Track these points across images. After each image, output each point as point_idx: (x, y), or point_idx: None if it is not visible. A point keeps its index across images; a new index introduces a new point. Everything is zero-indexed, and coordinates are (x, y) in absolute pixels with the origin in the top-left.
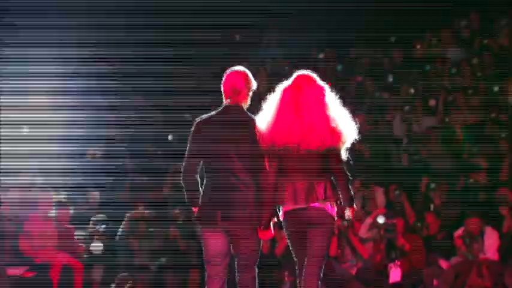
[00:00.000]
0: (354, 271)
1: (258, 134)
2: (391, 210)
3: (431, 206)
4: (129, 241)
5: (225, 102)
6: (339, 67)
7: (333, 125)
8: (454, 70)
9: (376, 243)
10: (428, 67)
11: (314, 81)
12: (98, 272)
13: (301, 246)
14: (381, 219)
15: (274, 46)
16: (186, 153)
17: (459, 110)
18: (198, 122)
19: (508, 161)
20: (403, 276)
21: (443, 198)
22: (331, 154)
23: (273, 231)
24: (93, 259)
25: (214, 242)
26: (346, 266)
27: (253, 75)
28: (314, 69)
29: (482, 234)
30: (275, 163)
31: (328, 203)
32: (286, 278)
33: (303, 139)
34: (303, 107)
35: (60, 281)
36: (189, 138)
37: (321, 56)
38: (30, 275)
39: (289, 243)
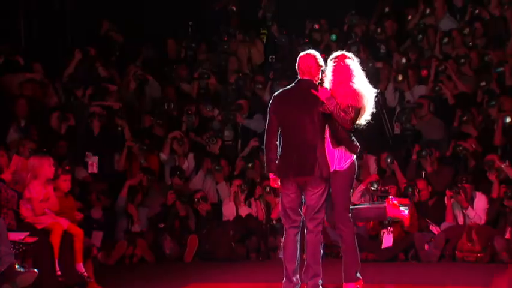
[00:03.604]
0: None
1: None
2: (383, 177)
3: (423, 173)
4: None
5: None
6: (334, 37)
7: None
8: (445, 40)
9: None
10: (420, 37)
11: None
12: (97, 237)
13: None
14: (373, 186)
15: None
16: (267, 123)
17: (450, 79)
18: (275, 96)
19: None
20: (395, 242)
21: (434, 166)
22: None
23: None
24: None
25: (289, 196)
26: None
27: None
28: (309, 40)
29: (472, 199)
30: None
31: None
32: (281, 244)
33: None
34: (361, 78)
35: (60, 246)
36: (268, 110)
37: (316, 26)
38: (31, 240)
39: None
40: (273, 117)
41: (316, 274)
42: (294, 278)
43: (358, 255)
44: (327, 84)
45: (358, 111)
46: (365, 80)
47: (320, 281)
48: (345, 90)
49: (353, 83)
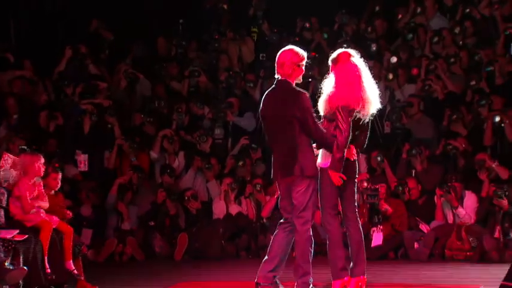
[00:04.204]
0: None
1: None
2: (373, 176)
3: (413, 172)
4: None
5: (276, 77)
6: (326, 35)
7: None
8: (435, 39)
9: (359, 208)
10: (410, 36)
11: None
12: (87, 235)
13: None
14: (363, 185)
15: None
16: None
17: (440, 78)
18: (262, 100)
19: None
20: (384, 240)
21: (424, 164)
22: None
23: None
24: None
25: (281, 196)
26: None
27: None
28: (300, 38)
29: (462, 198)
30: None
31: None
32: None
33: (367, 107)
34: (364, 80)
35: (50, 244)
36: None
37: (307, 25)
38: (21, 238)
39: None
40: (263, 122)
41: (306, 273)
42: (267, 271)
43: (343, 252)
44: (330, 86)
45: (357, 115)
46: (370, 78)
47: (310, 279)
48: (352, 94)
49: (360, 87)
